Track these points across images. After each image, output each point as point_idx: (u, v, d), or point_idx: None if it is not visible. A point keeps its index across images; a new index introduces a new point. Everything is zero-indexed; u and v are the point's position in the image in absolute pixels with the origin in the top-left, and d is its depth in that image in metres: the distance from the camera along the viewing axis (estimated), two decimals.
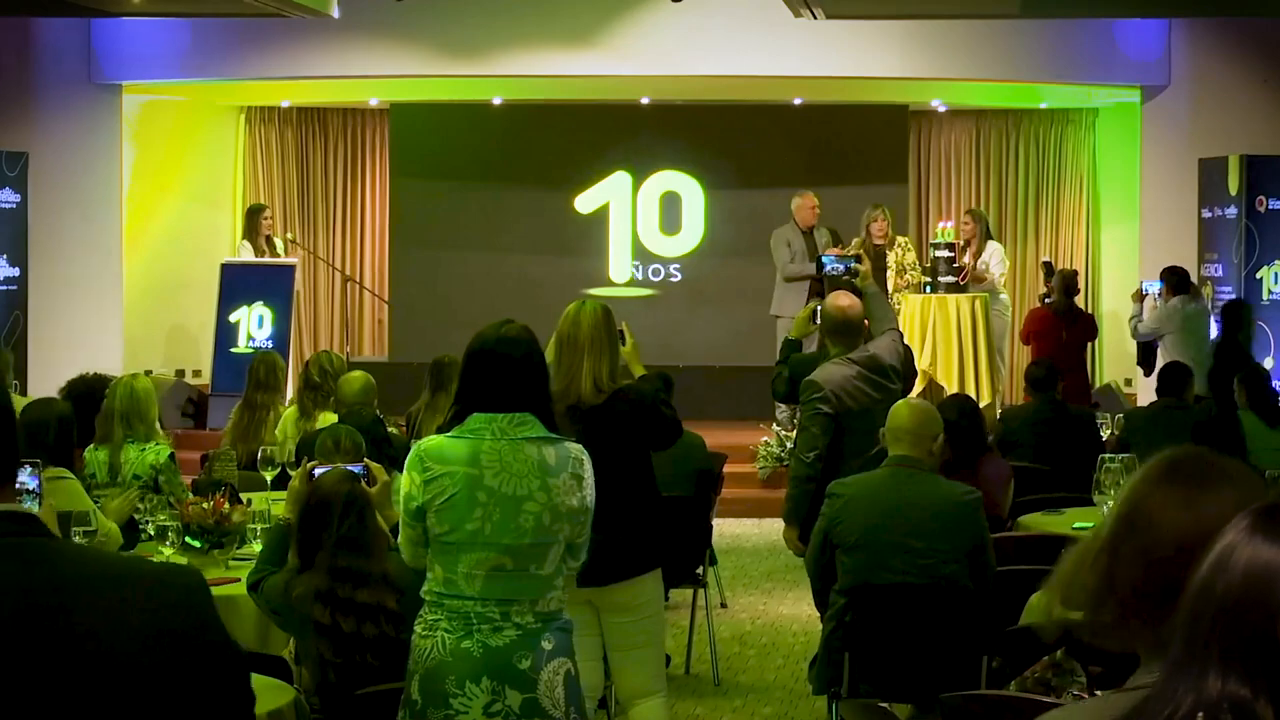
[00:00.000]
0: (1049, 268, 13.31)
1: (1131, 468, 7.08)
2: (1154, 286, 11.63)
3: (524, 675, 4.15)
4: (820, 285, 11.02)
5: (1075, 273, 12.74)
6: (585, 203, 15.11)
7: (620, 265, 15.12)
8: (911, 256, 13.22)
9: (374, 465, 5.25)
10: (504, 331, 4.35)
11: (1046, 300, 12.40)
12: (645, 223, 15.12)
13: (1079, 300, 12.69)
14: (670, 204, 15.10)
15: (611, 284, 14.93)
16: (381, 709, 4.42)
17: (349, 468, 5.30)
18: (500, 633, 4.17)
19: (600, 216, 15.10)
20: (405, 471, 4.27)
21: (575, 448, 4.35)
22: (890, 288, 13.01)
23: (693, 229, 15.09)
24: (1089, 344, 12.76)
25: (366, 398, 7.65)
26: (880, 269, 13.09)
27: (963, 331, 13.08)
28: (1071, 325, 11.89)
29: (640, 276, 15.09)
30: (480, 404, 4.27)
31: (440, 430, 4.43)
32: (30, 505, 4.88)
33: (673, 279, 15.07)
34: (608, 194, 15.11)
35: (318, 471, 5.21)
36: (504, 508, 4.18)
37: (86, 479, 6.68)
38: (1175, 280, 11.47)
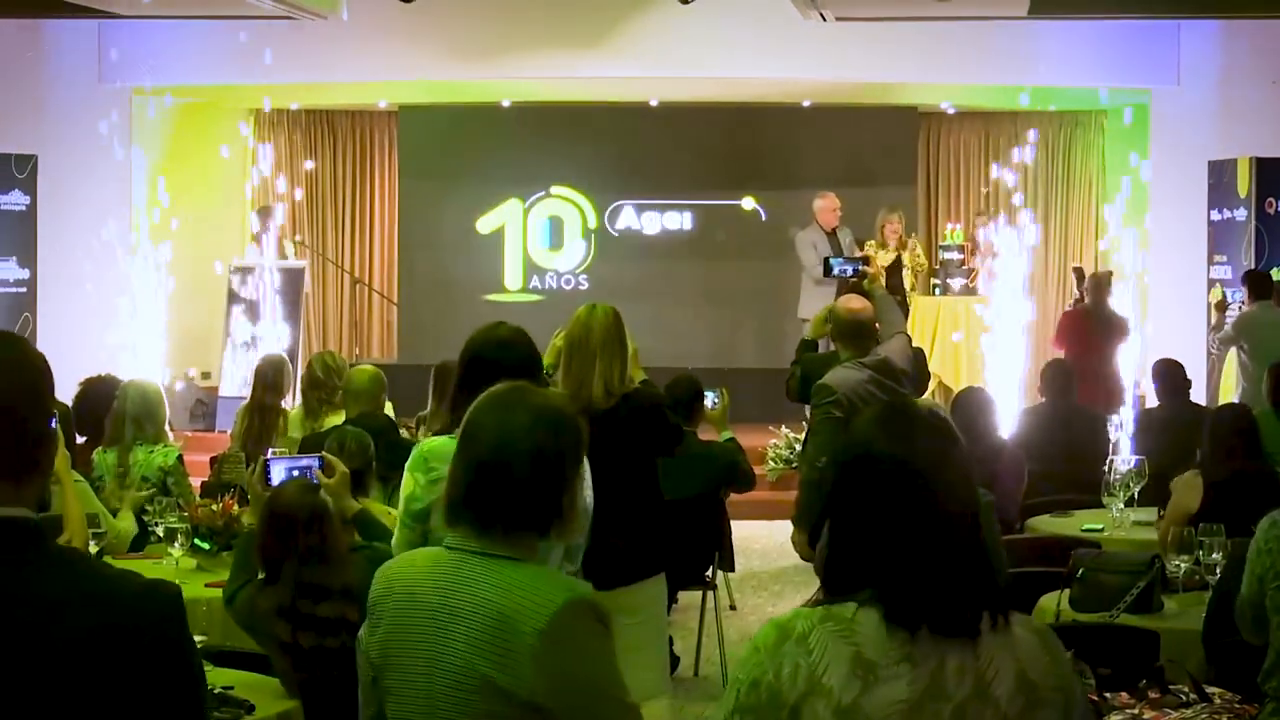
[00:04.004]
0: (1080, 273, 13.06)
1: (1143, 470, 7.05)
2: (1237, 294, 11.19)
3: None
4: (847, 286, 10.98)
5: (1109, 273, 12.37)
6: None
7: None
8: (920, 257, 13.24)
9: (330, 458, 5.25)
10: (498, 334, 4.33)
11: (1078, 303, 12.16)
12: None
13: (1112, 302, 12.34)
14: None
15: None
16: None
17: (306, 460, 5.29)
18: None
19: None
20: (408, 473, 4.21)
21: None
22: (908, 288, 13.03)
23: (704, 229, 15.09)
24: (1122, 346, 12.43)
25: (375, 390, 7.53)
26: (896, 269, 13.10)
27: (971, 333, 13.07)
28: (1103, 328, 11.60)
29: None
30: None
31: (441, 433, 4.41)
32: None
33: (683, 279, 15.05)
34: None
35: (273, 466, 5.26)
36: None
37: (95, 481, 6.69)
38: (1254, 285, 11.01)
